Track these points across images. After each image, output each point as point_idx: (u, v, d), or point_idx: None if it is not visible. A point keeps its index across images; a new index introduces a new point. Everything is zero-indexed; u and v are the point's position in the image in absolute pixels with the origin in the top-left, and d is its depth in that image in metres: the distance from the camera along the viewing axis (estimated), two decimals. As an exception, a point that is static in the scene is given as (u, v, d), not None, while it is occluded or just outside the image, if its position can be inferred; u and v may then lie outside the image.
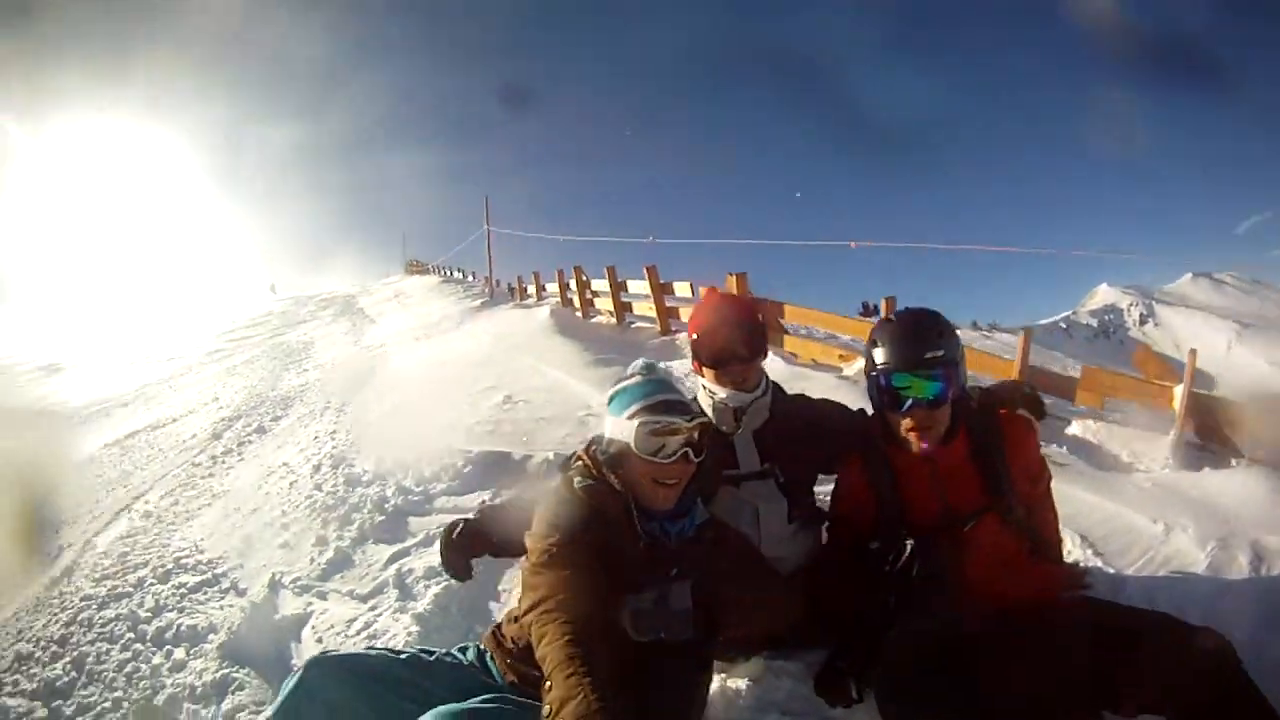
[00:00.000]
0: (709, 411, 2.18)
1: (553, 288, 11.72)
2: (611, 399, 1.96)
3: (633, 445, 1.84)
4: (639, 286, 8.57)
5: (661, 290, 8.09)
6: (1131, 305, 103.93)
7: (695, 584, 1.83)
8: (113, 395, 9.04)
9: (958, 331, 2.07)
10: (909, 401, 1.94)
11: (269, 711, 1.86)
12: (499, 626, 1.97)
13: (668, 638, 1.77)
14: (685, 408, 1.91)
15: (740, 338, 2.18)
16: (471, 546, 2.14)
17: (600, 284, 9.57)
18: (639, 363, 2.06)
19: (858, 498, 2.12)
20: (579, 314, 10.47)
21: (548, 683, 1.52)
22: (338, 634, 2.96)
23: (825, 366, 6.11)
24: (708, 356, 2.21)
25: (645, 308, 8.57)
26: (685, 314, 7.41)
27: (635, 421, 1.85)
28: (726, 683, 2.22)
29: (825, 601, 2.04)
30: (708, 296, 2.55)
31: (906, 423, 1.97)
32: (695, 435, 1.86)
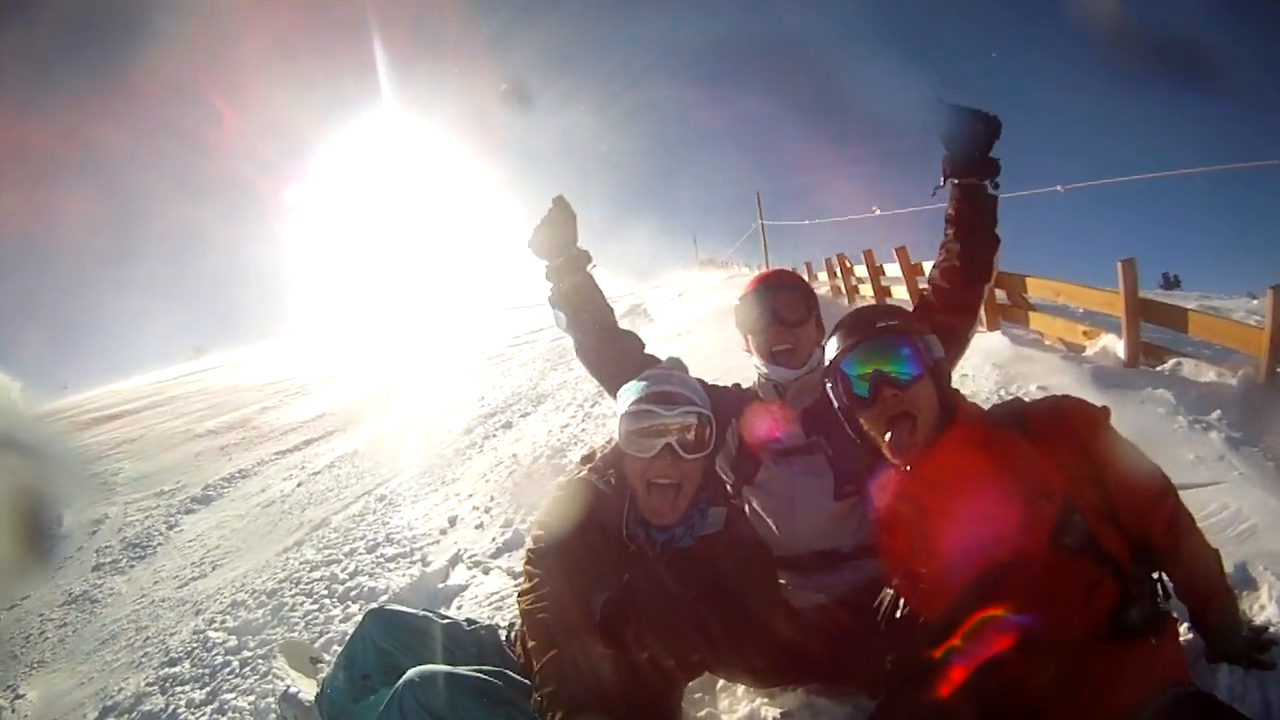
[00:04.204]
0: (756, 385, 2.22)
1: (824, 277, 11.61)
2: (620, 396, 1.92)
3: (621, 442, 1.81)
4: (895, 270, 8.10)
5: (914, 272, 7.51)
6: None
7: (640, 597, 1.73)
8: (385, 398, 9.97)
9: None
10: (869, 379, 1.56)
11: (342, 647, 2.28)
12: None
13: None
14: (679, 401, 1.79)
15: (770, 303, 2.13)
16: None
17: (862, 270, 9.30)
18: (667, 359, 2.03)
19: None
20: (845, 302, 10.17)
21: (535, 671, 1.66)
22: (477, 603, 3.36)
23: (1070, 345, 5.28)
24: (741, 320, 2.21)
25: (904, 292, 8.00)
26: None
27: (621, 415, 1.81)
28: (760, 709, 2.11)
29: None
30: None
31: (882, 422, 1.57)
32: (686, 431, 1.75)
